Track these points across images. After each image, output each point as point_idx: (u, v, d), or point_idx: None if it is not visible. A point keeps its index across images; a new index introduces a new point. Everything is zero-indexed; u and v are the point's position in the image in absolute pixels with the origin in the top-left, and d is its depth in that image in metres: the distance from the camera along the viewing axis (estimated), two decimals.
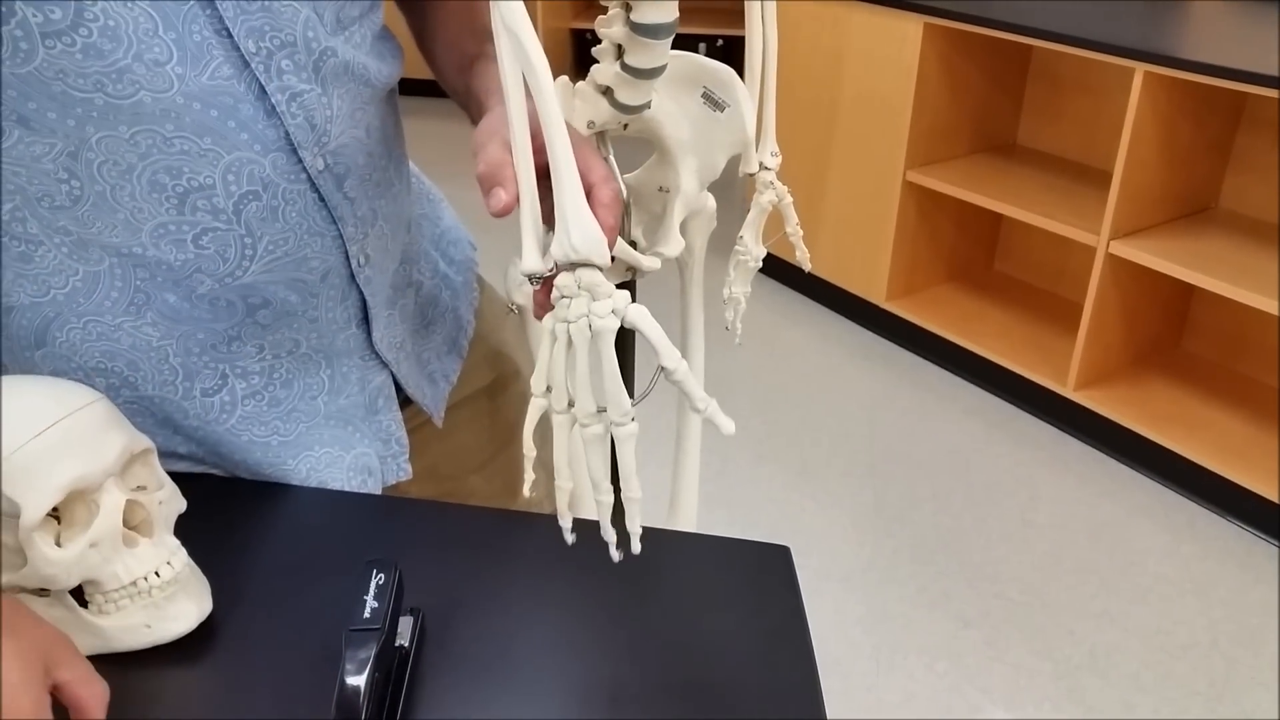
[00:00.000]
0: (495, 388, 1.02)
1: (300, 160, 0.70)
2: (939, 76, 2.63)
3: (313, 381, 0.81)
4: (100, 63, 0.62)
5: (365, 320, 0.81)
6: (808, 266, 1.08)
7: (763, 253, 1.07)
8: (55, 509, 0.62)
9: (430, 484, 0.97)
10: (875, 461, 2.47)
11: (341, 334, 0.80)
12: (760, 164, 1.01)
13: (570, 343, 0.59)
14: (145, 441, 0.67)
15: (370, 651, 0.58)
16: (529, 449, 0.64)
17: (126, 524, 0.65)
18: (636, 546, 0.62)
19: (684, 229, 1.02)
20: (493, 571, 0.75)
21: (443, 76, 0.85)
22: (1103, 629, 1.99)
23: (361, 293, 0.79)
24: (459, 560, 0.75)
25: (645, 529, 0.78)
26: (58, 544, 0.62)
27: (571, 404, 0.61)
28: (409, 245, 0.89)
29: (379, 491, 0.87)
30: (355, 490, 0.85)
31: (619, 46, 0.81)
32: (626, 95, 0.84)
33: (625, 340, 0.93)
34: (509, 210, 0.61)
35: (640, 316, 0.59)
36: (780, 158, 1.02)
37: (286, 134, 0.69)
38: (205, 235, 0.69)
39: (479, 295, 1.02)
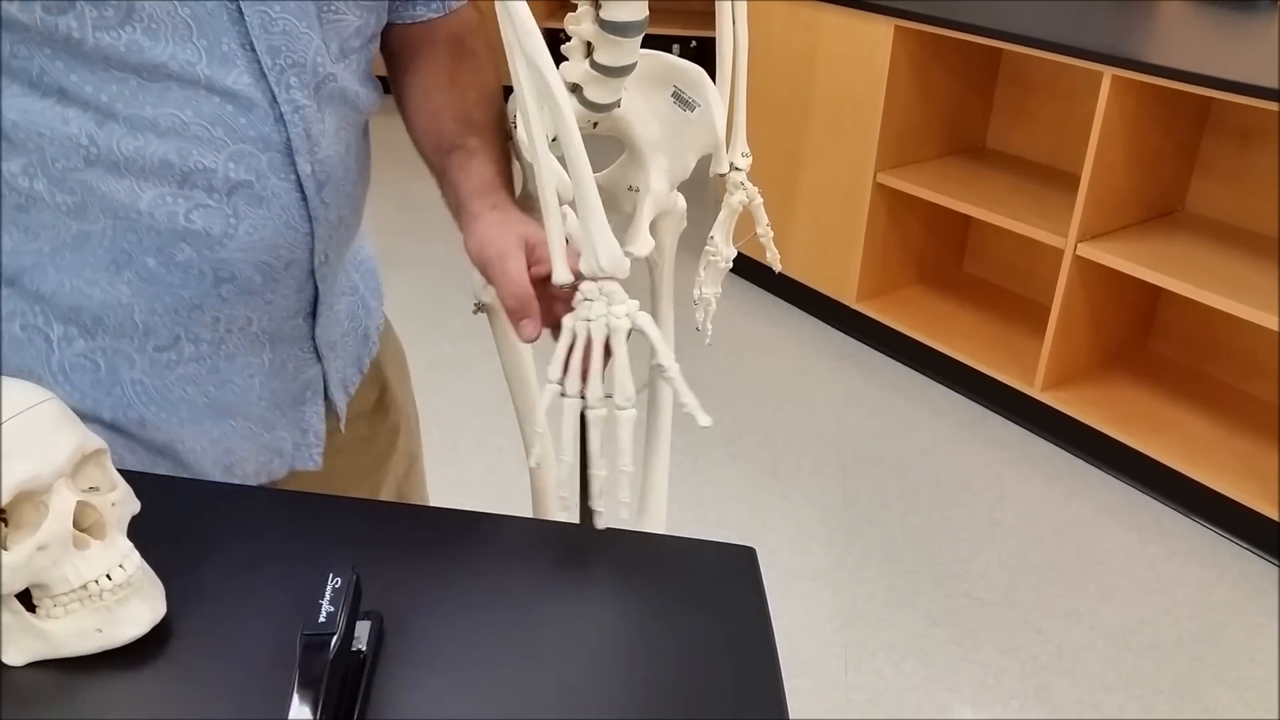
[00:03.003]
0: (376, 415, 1.06)
1: (294, 163, 0.78)
2: (909, 79, 2.64)
3: (254, 361, 0.86)
4: (140, 56, 0.70)
5: (313, 314, 0.88)
6: (778, 267, 1.07)
7: (733, 253, 1.07)
8: (2, 510, 0.61)
9: None
10: (845, 461, 2.48)
11: (290, 321, 0.87)
12: (731, 164, 1.00)
13: (589, 338, 0.70)
14: (97, 442, 0.66)
15: (325, 657, 0.57)
16: (542, 426, 0.77)
17: (78, 526, 0.64)
18: (625, 513, 0.74)
19: (654, 229, 1.01)
20: (454, 574, 0.74)
21: (418, 144, 0.91)
22: (1069, 628, 2.01)
23: (317, 287, 0.87)
24: (420, 563, 0.74)
25: (611, 531, 0.77)
26: (4, 547, 0.61)
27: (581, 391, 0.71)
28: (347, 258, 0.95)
29: (285, 473, 0.92)
30: (261, 468, 0.90)
31: (588, 44, 0.80)
32: (595, 93, 0.83)
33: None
34: (538, 337, 0.74)
35: (647, 321, 0.72)
36: (751, 158, 1.01)
37: (288, 139, 0.77)
38: (197, 210, 0.76)
39: (381, 321, 1.07)
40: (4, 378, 0.65)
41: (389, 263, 1.87)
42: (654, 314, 1.11)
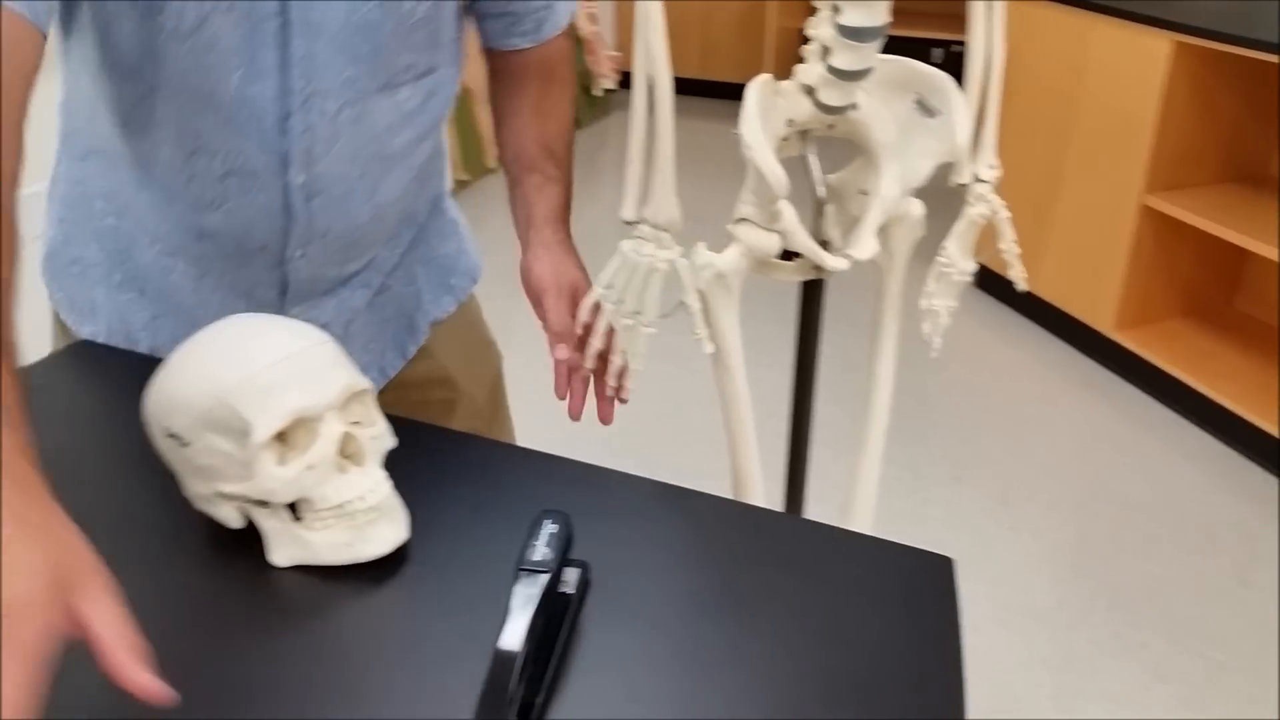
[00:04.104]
0: (426, 388, 1.11)
1: (287, 172, 0.87)
2: (1188, 98, 2.48)
3: (233, 303, 0.97)
4: (195, 59, 0.81)
5: (284, 293, 0.97)
6: (1022, 285, 1.05)
7: (969, 266, 1.05)
8: (282, 432, 0.70)
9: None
10: (1082, 498, 2.36)
11: (261, 288, 0.97)
12: (975, 175, 0.99)
13: (634, 268, 0.86)
14: (365, 382, 0.75)
15: (537, 591, 0.63)
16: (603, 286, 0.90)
17: (341, 453, 0.73)
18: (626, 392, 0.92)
19: (885, 235, 1.02)
20: (659, 540, 0.78)
21: (500, 148, 1.03)
22: None
23: (286, 275, 0.95)
24: (629, 526, 0.80)
25: (810, 522, 0.80)
26: (280, 463, 0.71)
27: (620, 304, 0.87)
28: (387, 258, 1.04)
29: None
30: None
31: (826, 48, 0.82)
32: (829, 96, 0.86)
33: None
34: (568, 358, 0.90)
35: (683, 267, 0.87)
36: (999, 170, 1.00)
37: (288, 151, 0.86)
38: (194, 180, 0.89)
39: (443, 314, 1.12)
40: (293, 320, 0.76)
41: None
42: (877, 320, 1.11)
